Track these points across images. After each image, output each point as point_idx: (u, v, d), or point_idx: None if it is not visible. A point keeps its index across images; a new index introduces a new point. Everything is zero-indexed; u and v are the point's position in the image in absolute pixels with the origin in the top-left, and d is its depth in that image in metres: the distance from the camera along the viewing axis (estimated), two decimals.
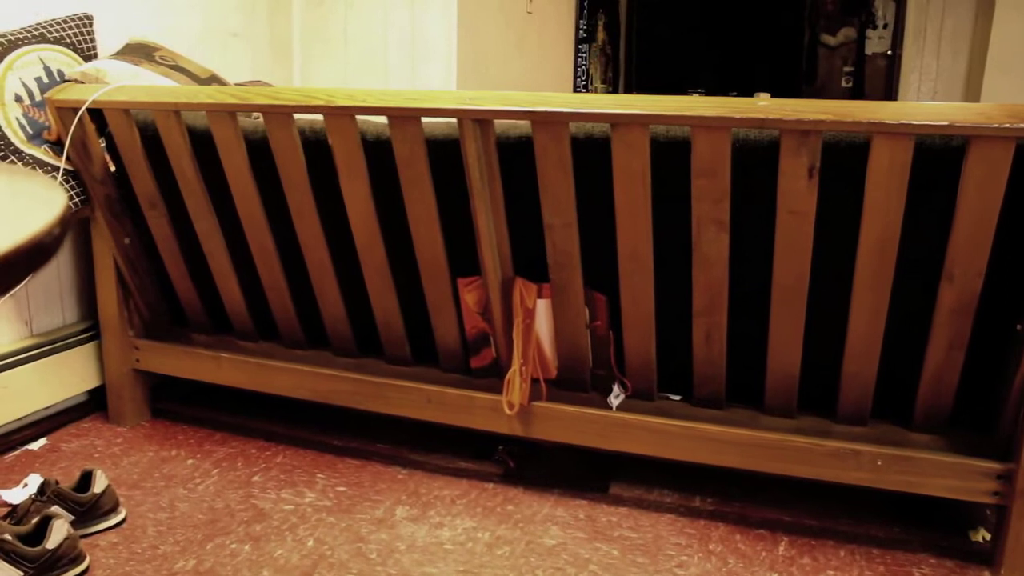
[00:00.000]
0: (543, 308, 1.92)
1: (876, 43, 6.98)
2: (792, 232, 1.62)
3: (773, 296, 1.71)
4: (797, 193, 1.57)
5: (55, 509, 1.78)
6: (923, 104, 1.52)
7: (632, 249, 1.73)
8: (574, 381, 1.99)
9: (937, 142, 1.55)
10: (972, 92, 5.66)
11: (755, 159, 1.65)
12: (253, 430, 2.40)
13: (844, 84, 7.19)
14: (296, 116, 1.90)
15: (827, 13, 7.26)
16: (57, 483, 1.85)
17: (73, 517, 1.81)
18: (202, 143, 2.03)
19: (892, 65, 6.68)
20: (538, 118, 1.64)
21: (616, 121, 1.59)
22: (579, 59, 5.09)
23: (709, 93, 6.43)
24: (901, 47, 6.33)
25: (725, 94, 5.74)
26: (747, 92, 6.25)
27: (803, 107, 1.48)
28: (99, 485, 1.86)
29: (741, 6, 7.19)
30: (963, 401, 1.75)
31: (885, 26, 6.91)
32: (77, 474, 1.94)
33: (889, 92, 6.61)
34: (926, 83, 6.03)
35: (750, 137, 1.65)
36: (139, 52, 2.40)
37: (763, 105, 1.50)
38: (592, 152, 1.73)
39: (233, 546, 1.83)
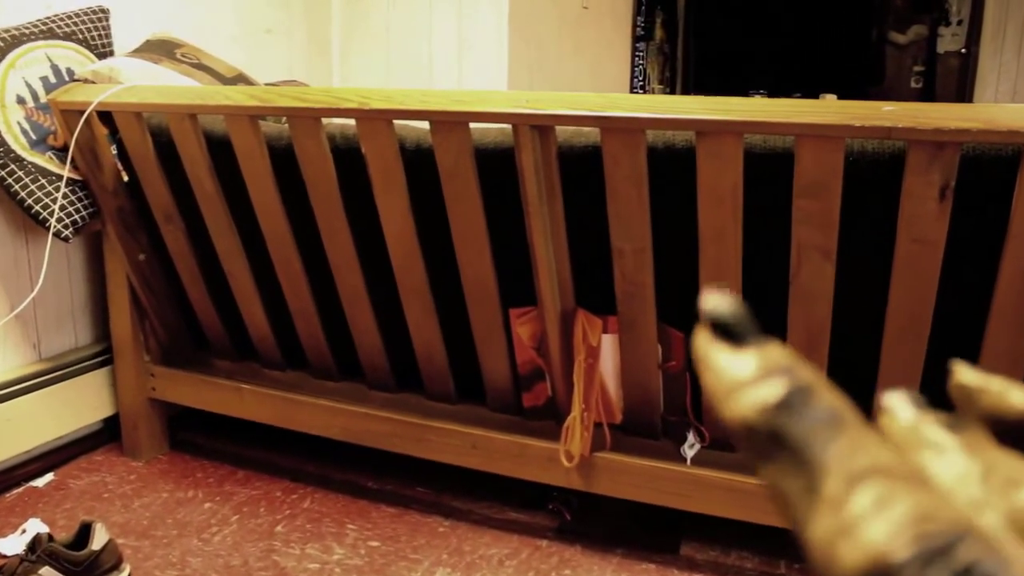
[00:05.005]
0: (608, 344, 1.65)
1: (949, 41, 6.59)
2: (915, 264, 1.33)
3: (886, 337, 1.42)
4: (925, 218, 1.29)
5: (45, 572, 1.55)
6: None
7: (717, 279, 1.45)
8: (643, 427, 1.72)
9: None
10: None
11: (866, 174, 1.37)
12: (280, 468, 2.16)
13: (914, 84, 6.80)
14: (326, 121, 1.65)
15: (896, 9, 6.88)
16: (51, 538, 1.63)
17: None
18: (222, 150, 1.79)
19: (966, 64, 6.30)
20: (610, 124, 1.37)
21: (704, 129, 1.32)
22: (636, 58, 4.80)
23: (771, 94, 6.10)
24: (977, 45, 5.95)
25: (788, 95, 5.42)
26: (811, 93, 5.91)
27: (941, 112, 1.20)
28: (98, 540, 1.63)
29: (805, 3, 6.84)
30: None
31: (959, 23, 6.51)
32: (76, 526, 1.71)
33: (963, 93, 6.23)
34: (1005, 83, 5.66)
35: (854, 147, 1.37)
36: (159, 49, 2.18)
37: (889, 111, 1.21)
38: (671, 165, 1.45)
39: None
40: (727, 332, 0.21)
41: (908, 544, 0.17)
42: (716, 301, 0.21)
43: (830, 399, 0.20)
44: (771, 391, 0.20)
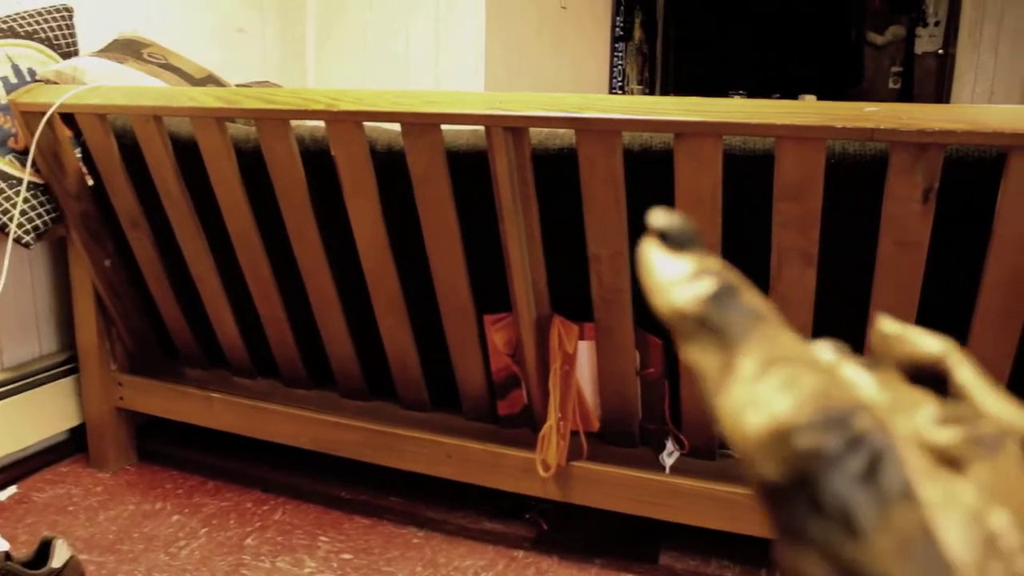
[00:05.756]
0: (585, 351, 1.62)
1: (927, 42, 6.60)
2: (898, 267, 1.30)
3: (869, 341, 1.39)
4: (908, 220, 1.25)
5: None
6: None
7: None
8: (620, 435, 1.68)
9: None
10: None
11: (848, 176, 1.34)
12: (251, 478, 2.10)
13: (892, 85, 6.82)
14: (296, 123, 1.61)
15: (874, 10, 6.89)
16: (8, 556, 1.57)
17: None
18: (189, 153, 1.74)
19: (944, 64, 6.31)
20: (585, 126, 1.33)
21: (682, 130, 1.28)
22: (615, 58, 4.77)
23: (751, 95, 6.08)
24: (954, 45, 5.96)
25: (767, 96, 5.40)
26: (791, 94, 5.90)
27: (925, 113, 1.17)
28: (59, 558, 1.58)
29: (783, 3, 6.84)
30: None
31: (936, 23, 6.53)
32: (38, 541, 1.65)
33: (940, 94, 6.24)
34: (982, 83, 5.67)
35: (835, 149, 1.34)
36: (126, 49, 2.12)
37: (872, 111, 1.18)
38: (649, 168, 1.42)
39: None
40: (671, 243, 0.23)
41: (808, 413, 0.19)
42: (663, 216, 0.24)
43: (754, 299, 0.22)
44: (703, 286, 0.22)
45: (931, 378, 0.25)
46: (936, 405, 0.22)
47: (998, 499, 0.19)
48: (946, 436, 0.21)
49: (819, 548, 0.19)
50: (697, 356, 0.22)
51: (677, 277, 0.23)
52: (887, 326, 0.27)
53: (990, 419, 0.22)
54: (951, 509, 0.19)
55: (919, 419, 0.21)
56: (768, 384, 0.20)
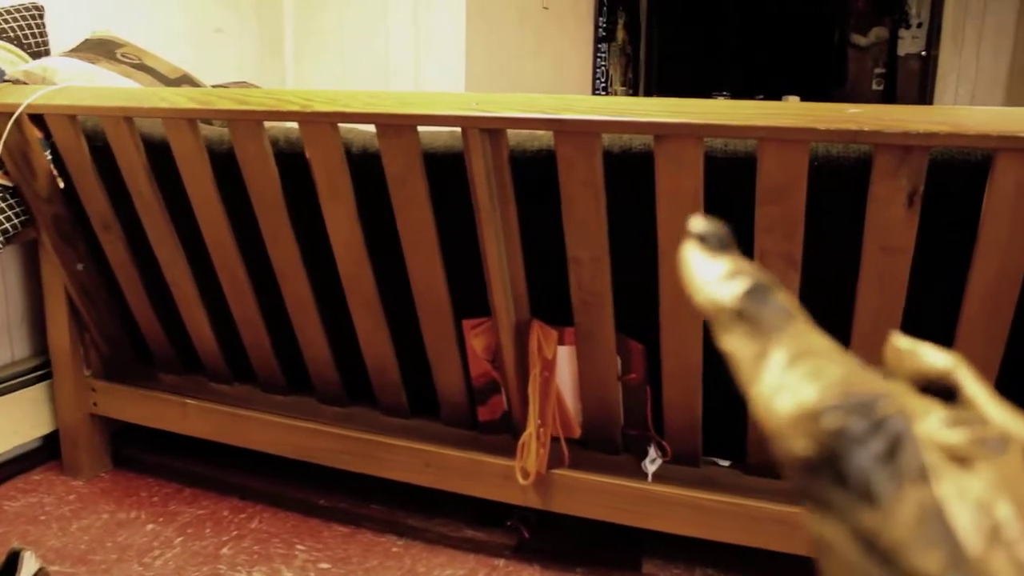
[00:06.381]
0: (565, 356, 1.59)
1: (909, 43, 6.61)
2: (883, 272, 1.28)
3: (853, 347, 1.37)
4: (892, 225, 1.23)
5: None
6: None
7: (678, 288, 1.39)
8: (602, 441, 1.66)
9: None
10: (1015, 94, 5.32)
11: (831, 179, 1.32)
12: (228, 485, 2.06)
13: (875, 87, 6.83)
14: (270, 124, 1.57)
15: (857, 11, 6.90)
16: None
17: None
18: (162, 154, 1.71)
19: (927, 66, 6.32)
20: (564, 127, 1.30)
21: (663, 132, 1.26)
22: (598, 59, 4.75)
23: (735, 96, 6.08)
24: (937, 47, 5.97)
25: (751, 97, 5.39)
26: (774, 95, 5.89)
27: (908, 115, 1.15)
28: (26, 570, 1.54)
29: (766, 5, 6.84)
30: None
31: (919, 25, 6.54)
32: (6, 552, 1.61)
33: (923, 95, 6.25)
34: (964, 85, 5.67)
35: (818, 151, 1.32)
36: (98, 49, 2.08)
37: (855, 113, 1.16)
38: (629, 170, 1.39)
39: None
40: (709, 246, 0.26)
41: (834, 397, 0.21)
42: (701, 222, 0.27)
43: (785, 298, 0.25)
44: (741, 283, 0.25)
45: (939, 392, 0.27)
46: (946, 410, 0.23)
47: (1003, 494, 0.21)
48: (955, 436, 0.22)
49: (842, 517, 0.21)
50: (734, 346, 0.24)
51: (716, 275, 0.25)
52: (900, 341, 0.29)
53: (995, 424, 0.23)
54: (961, 497, 0.20)
55: (930, 421, 0.22)
56: (798, 372, 0.22)
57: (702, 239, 0.26)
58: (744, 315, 0.24)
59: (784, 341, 0.23)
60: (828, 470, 0.21)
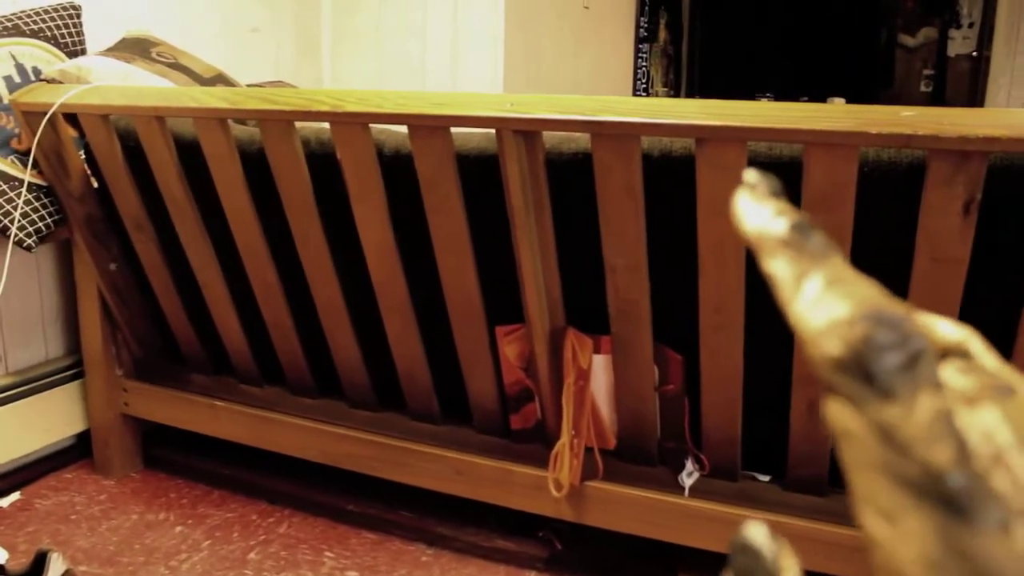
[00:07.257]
0: (601, 365, 1.54)
1: (960, 44, 6.45)
2: (936, 285, 1.21)
3: None
4: (947, 235, 1.17)
5: None
6: None
7: (718, 299, 1.34)
8: (638, 453, 1.61)
9: None
10: None
11: (882, 186, 1.26)
12: (257, 488, 2.04)
13: (924, 88, 6.67)
14: (301, 124, 1.55)
15: (906, 12, 6.75)
16: (2, 568, 1.52)
17: None
18: (194, 154, 1.69)
19: (978, 67, 6.17)
20: (601, 130, 1.25)
21: (704, 135, 1.21)
22: (639, 60, 4.68)
23: (778, 98, 5.97)
24: (989, 48, 5.83)
25: (795, 99, 5.28)
26: (819, 97, 5.78)
27: (967, 119, 1.08)
28: (53, 572, 1.52)
29: (812, 4, 6.72)
30: None
31: (971, 25, 6.38)
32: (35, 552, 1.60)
33: (974, 97, 6.10)
34: (1018, 87, 5.53)
35: (868, 156, 1.26)
36: (134, 48, 2.07)
37: (908, 116, 1.10)
38: (669, 175, 1.34)
39: None
40: (759, 194, 0.29)
41: (867, 310, 0.25)
42: (754, 174, 0.30)
43: (825, 236, 0.28)
44: (787, 218, 0.28)
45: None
46: (959, 361, 0.25)
47: (1007, 426, 0.23)
48: (966, 381, 0.24)
49: (865, 410, 0.23)
50: (778, 268, 0.27)
51: (764, 214, 0.28)
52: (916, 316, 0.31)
53: (1004, 377, 0.25)
54: (971, 420, 0.23)
55: (944, 368, 0.24)
56: (836, 291, 0.25)
57: (754, 188, 0.29)
58: (789, 243, 0.27)
59: (824, 267, 0.26)
60: (856, 369, 0.24)
